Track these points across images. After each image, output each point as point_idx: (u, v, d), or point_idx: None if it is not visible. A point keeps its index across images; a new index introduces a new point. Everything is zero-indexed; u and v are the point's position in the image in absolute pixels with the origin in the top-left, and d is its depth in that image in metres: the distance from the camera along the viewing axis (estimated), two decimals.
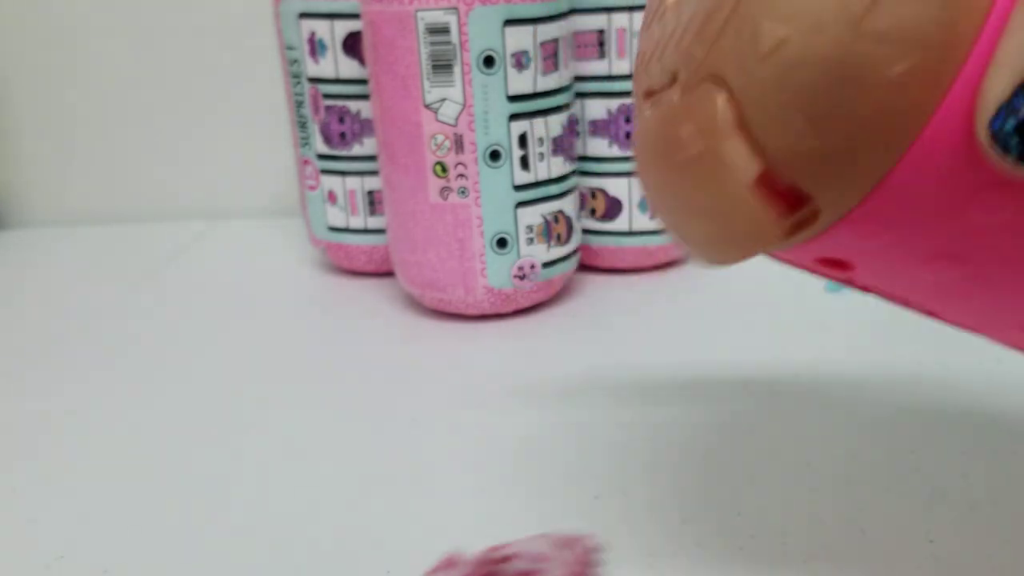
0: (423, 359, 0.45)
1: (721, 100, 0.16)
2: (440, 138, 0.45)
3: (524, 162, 0.46)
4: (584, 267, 0.55)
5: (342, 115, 0.53)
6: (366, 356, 0.46)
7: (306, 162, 0.56)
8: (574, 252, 0.51)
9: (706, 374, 0.42)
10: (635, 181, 0.53)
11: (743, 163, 0.17)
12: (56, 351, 0.49)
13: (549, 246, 0.49)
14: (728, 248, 0.19)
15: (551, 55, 0.46)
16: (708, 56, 0.17)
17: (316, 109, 0.54)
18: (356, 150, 0.54)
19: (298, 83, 0.54)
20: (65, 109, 0.73)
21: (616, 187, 0.53)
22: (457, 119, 0.45)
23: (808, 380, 0.40)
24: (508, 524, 0.31)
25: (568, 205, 0.50)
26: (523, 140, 0.46)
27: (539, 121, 0.46)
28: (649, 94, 0.20)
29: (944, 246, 0.17)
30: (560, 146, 0.48)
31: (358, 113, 0.53)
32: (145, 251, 0.66)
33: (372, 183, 0.54)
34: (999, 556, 0.28)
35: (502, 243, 0.47)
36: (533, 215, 0.47)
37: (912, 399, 0.38)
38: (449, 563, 0.27)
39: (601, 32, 0.50)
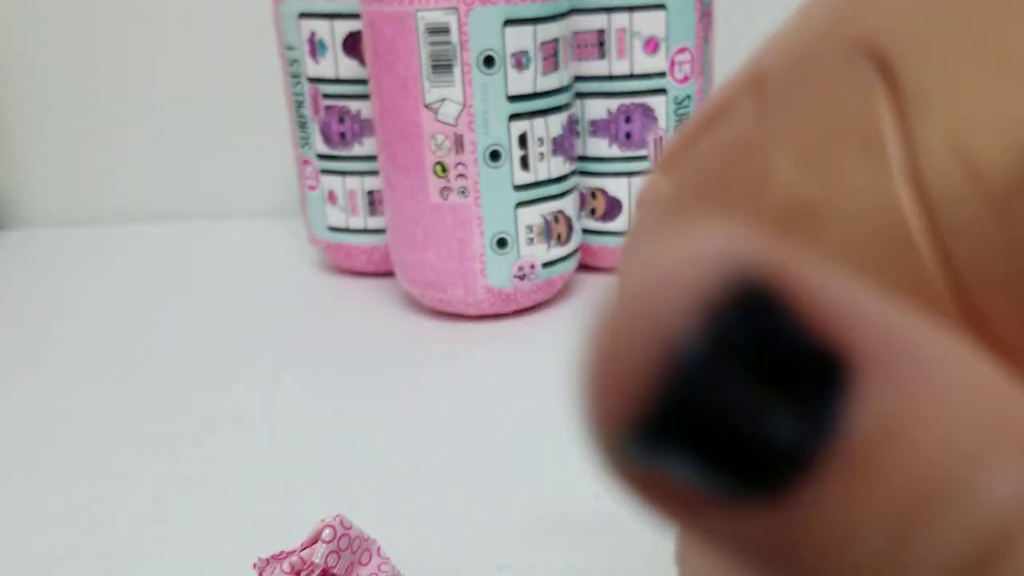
0: (423, 359, 0.45)
1: None
2: (440, 138, 0.45)
3: (524, 162, 0.46)
4: (584, 267, 0.55)
5: (342, 115, 0.53)
6: (365, 356, 0.46)
7: (306, 162, 0.56)
8: (574, 252, 0.51)
9: None
10: (636, 185, 0.53)
11: None
12: (56, 350, 0.49)
13: (549, 246, 0.49)
14: None
15: (551, 55, 0.46)
16: None
17: (316, 109, 0.54)
18: (356, 150, 0.54)
19: (298, 83, 0.54)
20: (65, 109, 0.73)
21: (616, 187, 0.53)
22: (457, 119, 0.45)
23: None
24: (507, 521, 0.31)
25: (568, 205, 0.50)
26: (523, 140, 0.46)
27: (539, 121, 0.46)
28: None
29: None
30: (560, 146, 0.48)
31: (358, 113, 0.53)
32: (145, 251, 0.66)
33: (372, 183, 0.54)
34: None
35: (502, 243, 0.47)
36: (533, 215, 0.47)
37: None
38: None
39: (601, 32, 0.50)
